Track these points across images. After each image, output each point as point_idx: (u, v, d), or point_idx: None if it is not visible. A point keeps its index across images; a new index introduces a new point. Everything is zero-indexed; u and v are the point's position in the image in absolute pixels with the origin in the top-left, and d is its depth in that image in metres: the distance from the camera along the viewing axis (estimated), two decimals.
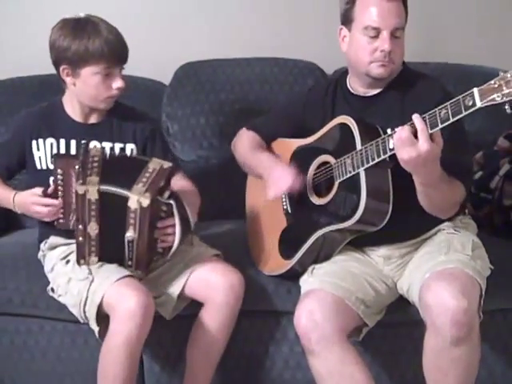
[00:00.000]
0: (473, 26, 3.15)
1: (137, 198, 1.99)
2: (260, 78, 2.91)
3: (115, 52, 2.12)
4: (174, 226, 2.05)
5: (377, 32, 2.05)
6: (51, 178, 2.17)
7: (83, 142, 2.17)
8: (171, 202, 2.04)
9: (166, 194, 2.05)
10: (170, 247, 2.08)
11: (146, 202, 1.98)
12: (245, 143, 2.38)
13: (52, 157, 2.20)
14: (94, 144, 2.22)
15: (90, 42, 2.08)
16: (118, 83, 2.15)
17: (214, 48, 3.04)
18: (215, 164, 2.85)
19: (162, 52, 3.06)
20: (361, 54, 2.09)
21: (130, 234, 2.03)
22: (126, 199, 2.00)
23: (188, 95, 2.89)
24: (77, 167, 2.05)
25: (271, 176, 2.19)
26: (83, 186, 2.01)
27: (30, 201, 2.14)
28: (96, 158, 2.05)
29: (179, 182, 2.23)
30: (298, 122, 2.30)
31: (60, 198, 2.13)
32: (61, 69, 2.15)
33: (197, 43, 3.07)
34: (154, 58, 3.03)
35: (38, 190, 2.13)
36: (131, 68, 2.83)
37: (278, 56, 2.98)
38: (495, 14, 3.15)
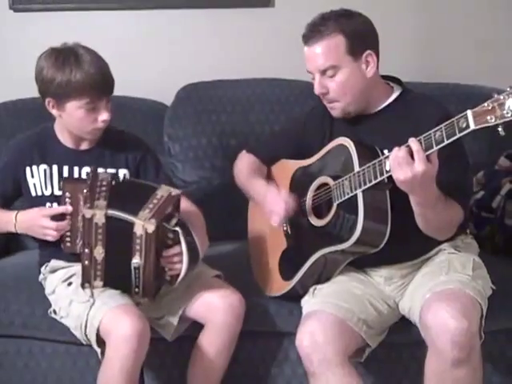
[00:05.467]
0: (473, 46, 3.16)
1: (142, 224, 1.98)
2: (261, 99, 2.92)
3: (97, 86, 2.09)
4: (180, 254, 2.05)
5: (312, 75, 2.11)
6: (47, 204, 2.18)
7: (92, 166, 2.15)
8: (177, 229, 2.03)
9: (174, 221, 2.04)
10: (178, 275, 2.07)
11: (151, 228, 1.98)
12: (242, 168, 2.38)
13: (60, 180, 2.19)
14: (86, 170, 2.21)
15: (71, 75, 2.06)
16: (103, 116, 2.13)
17: (215, 69, 3.06)
18: (217, 185, 2.85)
19: (164, 73, 3.08)
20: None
21: (136, 260, 2.02)
22: (131, 225, 1.99)
23: (189, 116, 2.90)
24: (85, 191, 2.05)
25: (266, 204, 2.20)
26: (90, 210, 2.01)
27: (40, 214, 2.13)
28: (104, 183, 2.05)
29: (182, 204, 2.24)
30: (298, 143, 2.30)
31: (67, 220, 2.13)
32: (46, 101, 2.15)
33: (198, 64, 3.09)
34: (155, 79, 3.05)
35: (46, 209, 2.13)
36: (133, 89, 2.88)
37: (278, 77, 3.00)
38: (495, 35, 3.16)
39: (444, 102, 2.21)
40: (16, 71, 2.99)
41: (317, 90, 2.11)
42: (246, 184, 2.34)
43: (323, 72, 2.08)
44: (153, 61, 3.09)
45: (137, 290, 2.07)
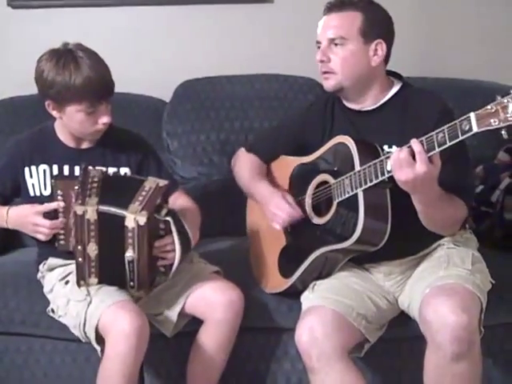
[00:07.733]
0: (472, 41, 3.16)
1: (133, 217, 1.99)
2: (260, 95, 2.92)
3: (97, 91, 2.08)
4: (173, 243, 2.05)
5: (319, 44, 2.14)
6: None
7: (83, 164, 2.13)
8: (168, 219, 2.04)
9: (164, 211, 2.05)
10: (172, 265, 2.08)
11: (142, 219, 1.99)
12: (244, 168, 2.37)
13: (51, 178, 2.19)
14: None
15: (71, 80, 2.05)
16: (103, 119, 2.13)
17: (213, 65, 3.06)
18: (216, 181, 2.85)
19: (163, 69, 3.07)
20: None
21: (129, 253, 2.02)
22: (123, 219, 2.00)
23: (188, 112, 2.90)
24: (76, 187, 2.05)
25: (269, 208, 2.21)
26: (82, 207, 2.02)
27: (32, 211, 2.13)
28: (96, 179, 2.04)
29: (178, 201, 2.24)
30: (298, 140, 2.29)
31: (61, 218, 2.13)
32: (46, 103, 2.14)
33: (197, 60, 3.09)
34: (154, 76, 3.05)
35: (38, 206, 2.13)
36: (132, 85, 2.88)
37: (277, 72, 3.00)
38: (494, 29, 3.17)
39: (443, 96, 2.21)
40: (14, 68, 2.99)
41: (319, 55, 2.13)
42: (249, 185, 2.34)
43: (331, 41, 2.11)
44: (151, 57, 3.09)
45: (132, 283, 2.07)
